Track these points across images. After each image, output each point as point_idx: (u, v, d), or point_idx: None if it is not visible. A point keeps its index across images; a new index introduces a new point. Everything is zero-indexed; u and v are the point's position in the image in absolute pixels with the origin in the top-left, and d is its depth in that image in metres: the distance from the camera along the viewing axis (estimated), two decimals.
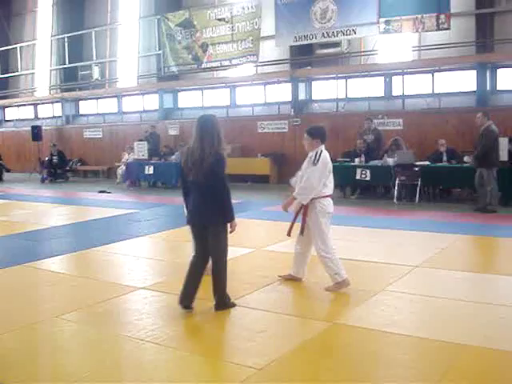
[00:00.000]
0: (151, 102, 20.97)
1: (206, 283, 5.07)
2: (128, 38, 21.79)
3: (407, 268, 6.25)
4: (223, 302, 5.04)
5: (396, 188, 11.90)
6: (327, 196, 5.55)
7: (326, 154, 5.49)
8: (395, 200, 11.80)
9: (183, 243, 7.38)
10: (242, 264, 6.81)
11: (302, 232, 5.60)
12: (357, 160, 12.71)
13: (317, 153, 5.43)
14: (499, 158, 10.78)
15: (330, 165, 5.54)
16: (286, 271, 6.05)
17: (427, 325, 4.65)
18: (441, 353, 4.07)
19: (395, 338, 4.36)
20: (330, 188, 5.57)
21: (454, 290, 5.60)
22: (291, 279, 5.88)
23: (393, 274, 6.01)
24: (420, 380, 3.65)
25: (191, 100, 20.26)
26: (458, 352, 4.07)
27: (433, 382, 3.60)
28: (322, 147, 5.51)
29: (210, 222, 4.94)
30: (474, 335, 4.36)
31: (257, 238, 8.63)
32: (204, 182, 4.85)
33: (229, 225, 4.99)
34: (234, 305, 5.10)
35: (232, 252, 7.24)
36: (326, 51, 16.82)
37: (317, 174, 5.38)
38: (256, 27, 17.03)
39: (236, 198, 12.84)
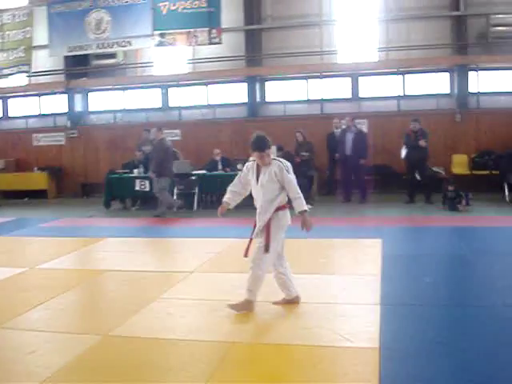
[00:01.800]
0: None
1: None
2: None
3: (182, 274, 6.44)
4: None
5: (175, 197, 12.16)
6: (287, 206, 5.19)
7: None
8: (175, 209, 12.06)
9: None
10: (13, 285, 6.48)
11: (267, 249, 5.01)
12: (136, 171, 12.75)
13: (281, 162, 5.04)
14: (172, 169, 11.94)
15: None
16: (62, 289, 5.91)
17: (199, 327, 4.83)
18: (212, 352, 4.26)
19: (168, 343, 4.47)
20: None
21: (227, 291, 5.86)
22: (288, 303, 5.30)
23: (168, 282, 6.15)
24: (191, 380, 3.79)
25: None
26: (229, 349, 4.29)
27: (203, 380, 3.75)
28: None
29: None
30: (243, 332, 4.64)
31: (31, 256, 8.25)
32: None
33: None
34: None
35: (1, 273, 6.93)
36: (102, 62, 16.66)
37: (295, 181, 5.03)
38: (28, 36, 16.31)
39: (11, 216, 12.33)
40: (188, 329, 4.78)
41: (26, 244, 9.20)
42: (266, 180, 5.00)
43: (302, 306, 5.24)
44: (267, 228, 5.00)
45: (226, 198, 5.28)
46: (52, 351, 4.40)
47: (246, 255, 5.15)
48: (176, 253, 7.90)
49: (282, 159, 5.11)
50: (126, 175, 12.95)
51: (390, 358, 3.97)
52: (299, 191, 5.00)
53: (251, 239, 5.13)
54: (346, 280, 6.13)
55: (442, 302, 5.36)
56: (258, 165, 5.09)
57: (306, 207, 5.01)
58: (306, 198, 11.89)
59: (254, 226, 5.07)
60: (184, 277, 6.36)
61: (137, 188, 12.43)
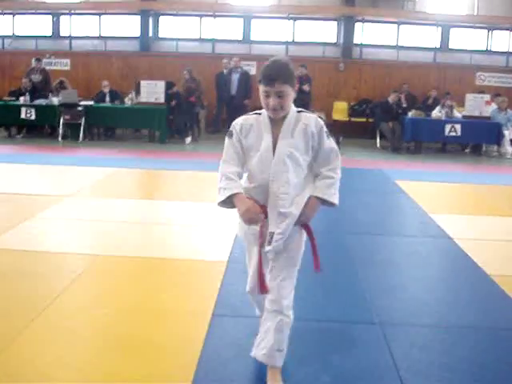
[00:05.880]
0: None
1: None
2: None
3: (59, 198, 6.76)
4: None
5: (61, 127, 12.22)
6: None
7: None
8: (60, 139, 12.16)
9: None
10: None
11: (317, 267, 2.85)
12: (22, 99, 12.62)
13: (317, 117, 2.84)
14: None
15: None
16: None
17: (69, 242, 5.23)
18: (77, 263, 4.68)
19: (38, 255, 4.82)
20: None
21: (100, 212, 6.27)
22: None
23: (44, 204, 6.45)
24: (55, 287, 4.20)
25: None
26: (92, 261, 4.72)
27: (64, 286, 4.18)
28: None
29: None
30: (107, 246, 5.10)
31: None
32: None
33: None
34: None
35: None
36: None
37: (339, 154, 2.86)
38: None
39: None
40: (58, 243, 5.16)
41: None
42: (294, 146, 2.75)
43: (167, 228, 5.77)
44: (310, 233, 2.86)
45: (230, 187, 2.74)
46: None
47: (264, 290, 2.79)
48: (56, 178, 8.16)
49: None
50: (11, 103, 12.78)
51: (234, 269, 4.58)
52: (339, 174, 2.84)
53: (260, 258, 2.80)
54: (213, 207, 6.69)
55: None
56: (270, 120, 2.79)
57: (335, 199, 2.80)
58: (192, 134, 12.44)
59: (261, 233, 2.78)
60: (61, 200, 6.69)
61: (22, 116, 12.32)
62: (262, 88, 2.73)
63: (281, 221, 2.74)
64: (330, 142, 2.80)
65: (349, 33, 15.56)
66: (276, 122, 2.78)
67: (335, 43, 15.90)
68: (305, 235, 2.88)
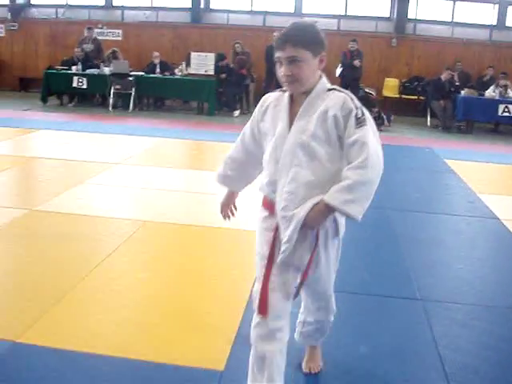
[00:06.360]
0: None
1: None
2: None
3: (109, 165, 6.92)
4: None
5: (111, 96, 12.40)
6: None
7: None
8: (110, 108, 12.35)
9: None
10: None
11: (297, 293, 2.34)
12: (74, 68, 12.82)
13: (349, 96, 2.16)
14: None
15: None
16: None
17: (118, 207, 5.37)
18: (125, 227, 4.80)
19: (88, 218, 4.98)
20: None
21: (147, 180, 6.40)
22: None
23: (95, 170, 6.61)
24: (104, 248, 4.33)
25: None
26: (140, 226, 4.84)
27: (112, 248, 4.30)
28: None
29: None
30: (154, 214, 5.20)
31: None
32: None
33: None
34: None
35: None
36: None
37: (376, 144, 2.11)
38: None
39: None
40: (106, 208, 5.30)
41: None
42: (310, 133, 2.17)
43: (212, 197, 5.82)
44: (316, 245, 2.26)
45: (222, 175, 2.66)
46: None
47: (263, 311, 2.24)
48: (106, 146, 8.32)
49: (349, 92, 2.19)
50: (64, 71, 13.00)
51: None
52: (375, 174, 2.10)
53: (269, 270, 2.27)
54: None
55: None
56: (291, 98, 2.28)
57: (351, 210, 2.09)
58: (241, 107, 12.43)
59: (274, 239, 2.28)
60: (110, 167, 6.83)
61: (74, 85, 12.53)
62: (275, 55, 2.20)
63: (285, 227, 2.20)
64: (359, 131, 2.07)
65: (403, 7, 15.19)
66: (297, 101, 2.23)
67: (388, 18, 15.58)
68: (339, 245, 2.39)
